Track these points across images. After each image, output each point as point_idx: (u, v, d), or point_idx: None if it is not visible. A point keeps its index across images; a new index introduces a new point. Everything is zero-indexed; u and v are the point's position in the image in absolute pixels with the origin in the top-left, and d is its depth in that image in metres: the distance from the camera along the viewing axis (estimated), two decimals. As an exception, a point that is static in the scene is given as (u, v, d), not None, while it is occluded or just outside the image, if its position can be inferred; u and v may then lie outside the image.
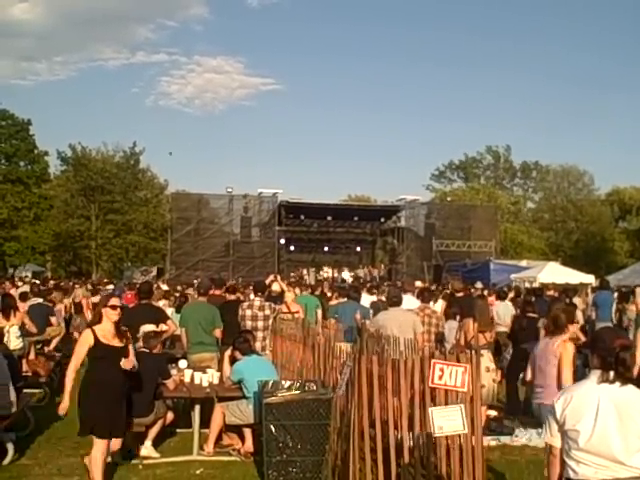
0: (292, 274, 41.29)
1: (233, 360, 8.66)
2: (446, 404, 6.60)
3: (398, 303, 10.09)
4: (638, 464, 3.59)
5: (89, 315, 16.73)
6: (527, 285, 27.34)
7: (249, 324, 10.24)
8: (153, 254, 49.63)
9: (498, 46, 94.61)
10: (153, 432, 8.17)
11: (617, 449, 3.56)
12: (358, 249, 51.05)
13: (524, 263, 36.46)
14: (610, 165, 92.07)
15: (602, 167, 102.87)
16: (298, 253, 49.32)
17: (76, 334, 15.56)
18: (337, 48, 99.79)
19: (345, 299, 12.70)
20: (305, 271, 44.78)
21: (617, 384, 3.65)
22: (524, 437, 9.05)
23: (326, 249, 49.73)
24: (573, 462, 3.71)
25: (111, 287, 21.79)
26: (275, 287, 14.72)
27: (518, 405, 10.46)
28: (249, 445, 8.18)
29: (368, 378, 6.73)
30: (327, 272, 45.49)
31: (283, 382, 7.60)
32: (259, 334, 10.22)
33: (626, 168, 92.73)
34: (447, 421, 6.51)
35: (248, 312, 10.35)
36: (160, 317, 9.89)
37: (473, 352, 6.90)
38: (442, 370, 6.65)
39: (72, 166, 50.40)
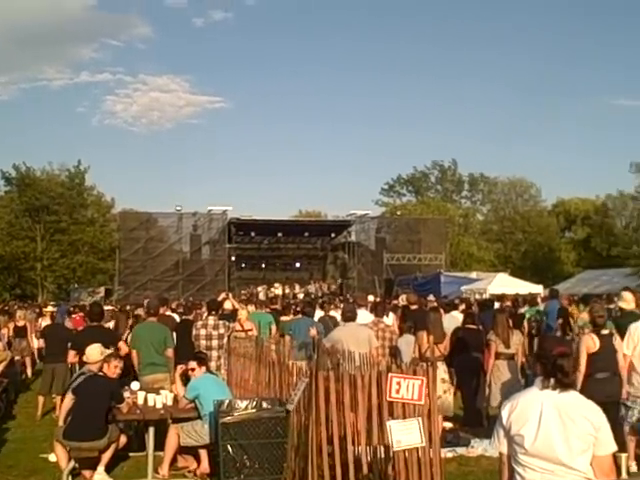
0: (243, 292, 41.03)
1: (185, 380, 8.54)
2: (404, 417, 6.60)
3: (353, 318, 10.07)
4: (582, 467, 3.68)
5: (32, 339, 16.33)
6: (477, 297, 27.65)
7: (203, 343, 10.11)
8: (101, 274, 48.81)
9: (441, 56, 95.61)
10: (106, 457, 7.97)
11: (560, 451, 3.65)
12: (309, 265, 51.06)
13: (474, 275, 36.90)
14: (556, 177, 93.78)
15: (548, 179, 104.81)
16: (249, 270, 49.11)
17: (18, 358, 15.18)
18: (282, 64, 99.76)
19: (300, 316, 12.65)
20: (259, 288, 44.59)
21: (557, 390, 3.77)
22: (480, 447, 9.08)
23: (277, 266, 49.65)
24: (520, 468, 3.81)
25: (51, 308, 21.20)
26: (227, 305, 14.62)
27: (474, 416, 10.51)
28: (205, 466, 8.04)
29: (325, 394, 6.70)
30: (278, 289, 45.35)
31: (239, 401, 7.50)
32: (214, 353, 10.10)
33: (571, 179, 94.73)
34: (405, 435, 6.50)
35: (202, 331, 10.22)
36: (111, 339, 9.71)
37: (429, 365, 6.93)
38: (399, 384, 6.64)
39: (16, 186, 49.36)
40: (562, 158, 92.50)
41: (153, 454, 8.09)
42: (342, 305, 21.15)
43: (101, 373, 8.27)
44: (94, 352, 8.83)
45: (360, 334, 9.84)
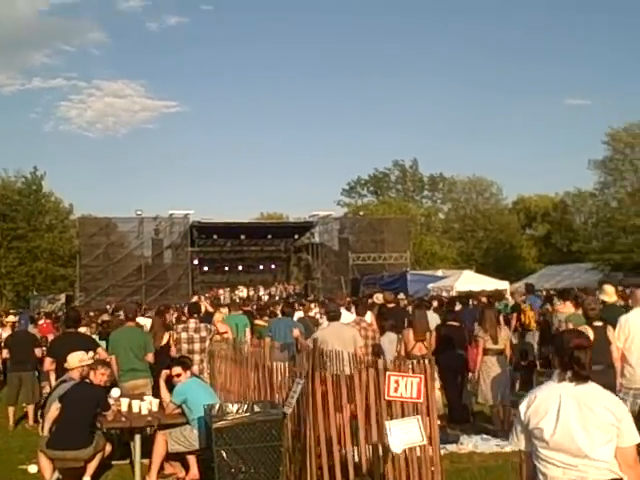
0: (207, 295, 40.67)
1: (169, 386, 8.30)
2: (403, 416, 6.47)
3: (337, 317, 9.89)
4: (604, 457, 3.60)
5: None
6: (445, 294, 27.74)
7: (185, 347, 9.85)
8: (61, 281, 47.86)
9: (400, 56, 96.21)
10: (92, 467, 7.69)
11: (581, 441, 3.58)
12: (273, 267, 50.80)
13: (440, 273, 37.08)
14: (515, 175, 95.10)
15: (508, 177, 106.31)
16: (212, 274, 48.71)
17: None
18: (239, 69, 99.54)
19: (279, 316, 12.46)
20: (221, 291, 44.29)
21: (574, 383, 3.71)
22: (470, 444, 8.99)
23: (240, 268, 49.29)
24: (541, 463, 3.74)
25: (12, 318, 20.62)
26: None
27: (460, 413, 10.42)
28: (194, 473, 7.80)
29: (323, 396, 6.54)
30: (243, 291, 45.12)
31: (230, 405, 7.29)
32: (196, 357, 9.85)
33: (530, 177, 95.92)
34: (405, 433, 6.37)
35: (183, 335, 9.96)
36: (90, 345, 9.41)
37: (426, 362, 6.81)
38: (397, 382, 6.51)
39: (-29, 194, 48.23)
40: (520, 156, 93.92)
41: (140, 462, 7.83)
42: (306, 305, 21.11)
43: (87, 380, 8.00)
44: (72, 359, 8.57)
45: (345, 334, 9.67)
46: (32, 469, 8.26)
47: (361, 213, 58.64)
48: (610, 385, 7.67)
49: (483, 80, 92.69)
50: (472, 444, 9.01)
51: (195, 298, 15.21)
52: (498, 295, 21.23)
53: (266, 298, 43.13)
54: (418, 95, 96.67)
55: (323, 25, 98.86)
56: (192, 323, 10.25)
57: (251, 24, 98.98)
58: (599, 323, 7.94)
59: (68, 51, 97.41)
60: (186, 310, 14.16)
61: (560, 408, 3.66)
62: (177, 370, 8.08)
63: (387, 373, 6.48)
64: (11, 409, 11.97)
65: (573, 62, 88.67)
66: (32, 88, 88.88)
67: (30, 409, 11.97)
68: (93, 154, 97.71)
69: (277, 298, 41.42)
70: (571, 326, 9.63)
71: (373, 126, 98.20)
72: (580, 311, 9.94)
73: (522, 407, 3.83)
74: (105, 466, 8.37)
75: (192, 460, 7.84)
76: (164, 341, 10.66)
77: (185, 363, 8.31)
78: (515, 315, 15.57)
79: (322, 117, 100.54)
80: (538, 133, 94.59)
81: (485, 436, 9.38)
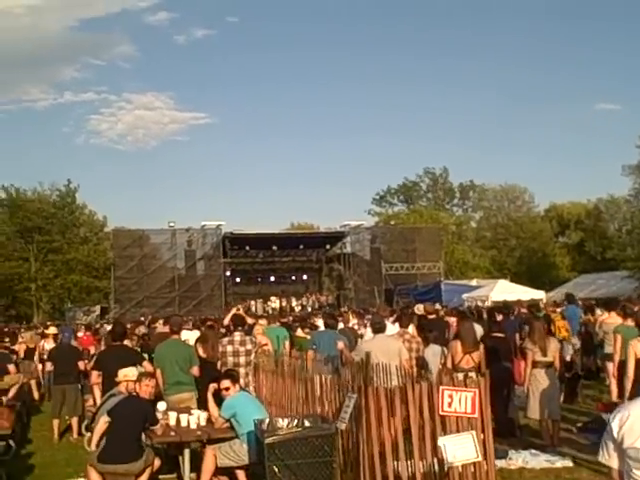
0: (240, 306, 40.55)
1: (218, 399, 8.28)
2: (457, 431, 6.40)
3: (382, 330, 9.85)
4: None
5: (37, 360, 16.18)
6: (480, 304, 27.53)
7: (230, 360, 9.83)
8: (96, 293, 48.36)
9: (430, 66, 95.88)
10: (143, 481, 7.69)
11: None
12: (305, 277, 50.77)
13: (474, 282, 36.80)
14: (547, 182, 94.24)
15: (539, 184, 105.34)
16: (244, 285, 48.82)
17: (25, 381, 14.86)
18: (266, 77, 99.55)
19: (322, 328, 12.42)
20: (252, 302, 44.34)
21: None
22: (519, 459, 8.84)
23: (272, 279, 49.34)
24: None
25: (53, 330, 20.84)
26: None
27: (506, 427, 10.26)
28: (245, 487, 7.77)
29: (376, 410, 6.49)
30: (275, 302, 45.11)
31: (280, 420, 7.25)
32: (241, 370, 9.79)
33: (562, 184, 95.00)
34: (459, 449, 6.31)
35: (229, 348, 9.93)
36: (136, 358, 9.46)
37: (480, 376, 6.74)
38: (451, 397, 6.46)
39: (7, 208, 48.98)
40: (552, 163, 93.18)
41: (190, 477, 7.83)
42: (345, 316, 21.03)
43: (134, 394, 8.02)
44: (120, 373, 8.60)
45: (390, 346, 9.61)
46: (80, 483, 8.29)
47: (392, 222, 58.46)
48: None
49: (512, 87, 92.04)
50: (521, 459, 8.85)
51: (234, 310, 15.11)
52: (536, 305, 20.96)
53: (299, 309, 43.12)
54: (447, 103, 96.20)
55: (350, 34, 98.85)
56: (237, 336, 10.22)
57: (277, 34, 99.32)
58: (654, 335, 7.78)
59: (98, 65, 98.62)
60: (225, 322, 14.14)
61: None
62: (226, 384, 8.06)
63: (440, 387, 6.43)
64: (55, 422, 12.08)
65: (601, 67, 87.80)
66: (64, 102, 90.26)
67: (74, 422, 12.08)
68: (124, 166, 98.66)
69: (310, 309, 41.42)
70: (620, 337, 9.50)
71: (403, 135, 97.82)
72: (629, 322, 9.78)
73: (614, 425, 3.55)
74: (154, 481, 8.39)
75: (241, 475, 7.80)
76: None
77: (233, 376, 8.29)
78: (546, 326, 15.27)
79: (351, 126, 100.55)
80: (569, 139, 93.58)
81: (534, 451, 9.21)
